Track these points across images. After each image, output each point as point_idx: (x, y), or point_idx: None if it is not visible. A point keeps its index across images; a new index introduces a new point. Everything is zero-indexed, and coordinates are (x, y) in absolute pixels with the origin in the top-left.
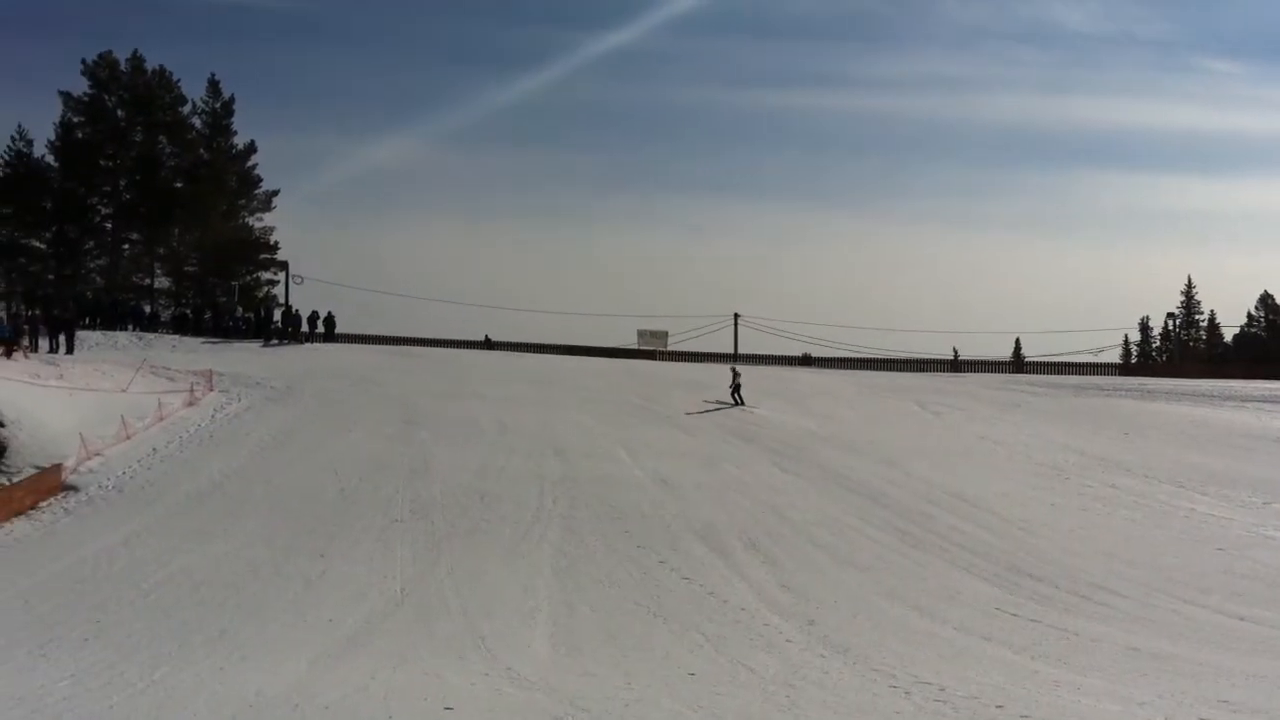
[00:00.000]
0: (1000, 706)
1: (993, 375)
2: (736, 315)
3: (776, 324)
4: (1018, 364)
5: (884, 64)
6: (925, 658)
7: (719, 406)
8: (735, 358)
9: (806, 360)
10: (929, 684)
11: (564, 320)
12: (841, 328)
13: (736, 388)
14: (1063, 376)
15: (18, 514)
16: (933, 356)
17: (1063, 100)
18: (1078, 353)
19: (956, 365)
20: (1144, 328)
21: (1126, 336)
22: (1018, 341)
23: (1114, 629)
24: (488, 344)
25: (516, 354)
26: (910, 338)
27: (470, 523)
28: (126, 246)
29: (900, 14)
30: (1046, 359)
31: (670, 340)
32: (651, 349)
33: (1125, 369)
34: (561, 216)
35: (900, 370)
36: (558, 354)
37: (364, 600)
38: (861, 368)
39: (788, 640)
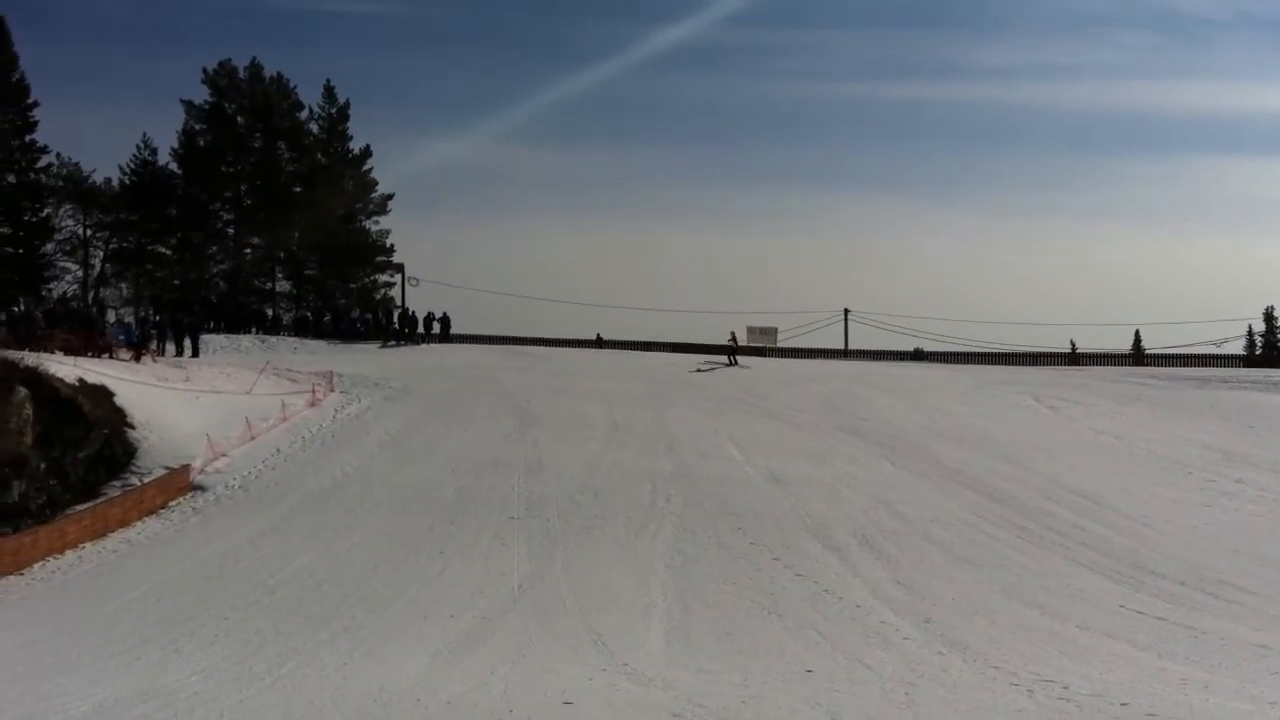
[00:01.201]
0: (1125, 704)
1: (1111, 368)
2: (846, 310)
3: (887, 318)
4: (1137, 356)
5: (992, 52)
6: (1047, 655)
7: (712, 367)
8: (845, 353)
9: (918, 355)
10: (1051, 682)
11: (674, 318)
12: (953, 321)
13: (733, 350)
14: (1184, 369)
15: (149, 513)
16: (1049, 350)
17: (1179, 86)
18: (1199, 344)
19: (1074, 358)
20: (1269, 318)
21: (1250, 327)
22: (1137, 333)
23: (1243, 626)
24: (599, 342)
25: (627, 352)
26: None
27: (584, 520)
28: (248, 251)
29: (1010, 1)
30: (1166, 351)
31: (779, 337)
32: (761, 345)
33: (1249, 360)
34: (671, 213)
35: (1015, 364)
36: (668, 351)
37: (482, 596)
38: (975, 362)
39: (905, 638)
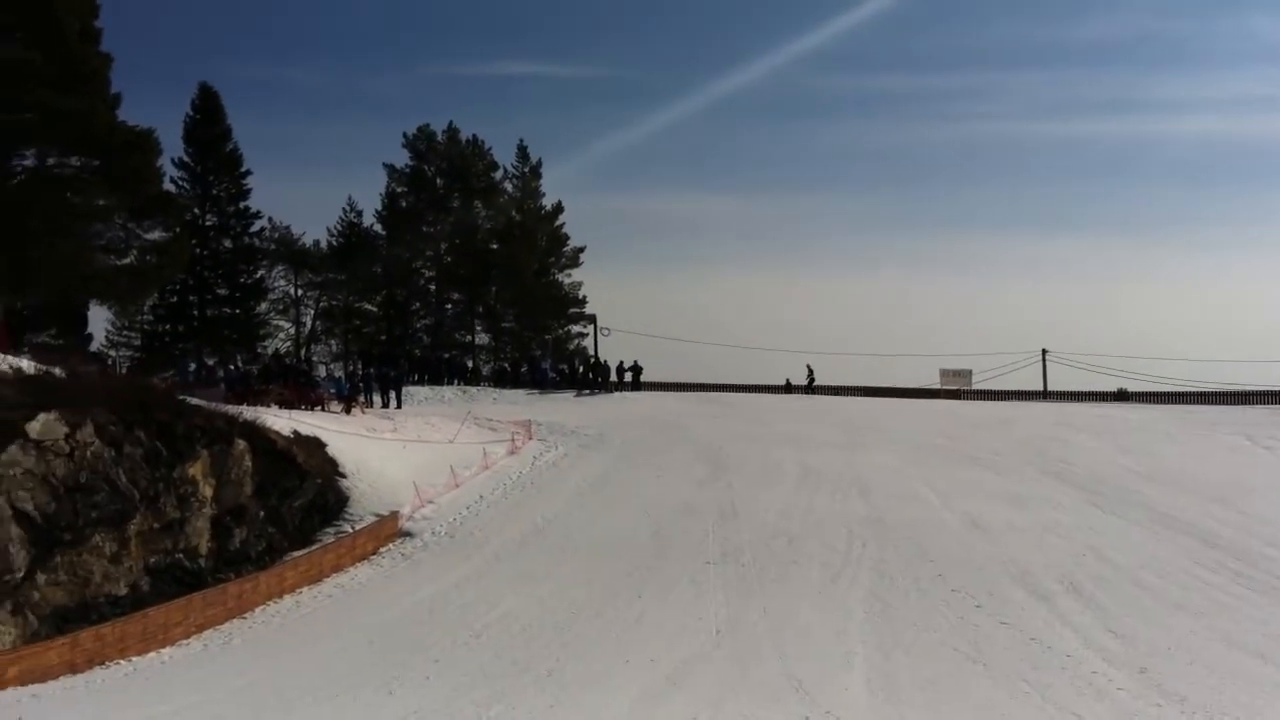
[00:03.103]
0: None
1: None
2: (1044, 351)
3: (1087, 359)
4: None
5: (1174, 86)
6: (1272, 707)
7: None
8: (1044, 395)
9: (1122, 395)
10: None
11: (864, 362)
12: (1156, 359)
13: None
14: None
15: (360, 559)
16: (1261, 388)
17: None
18: None
19: None
20: None
21: None
22: None
23: None
24: (788, 388)
25: (818, 397)
26: (1234, 369)
27: (780, 566)
28: (448, 306)
29: (1197, 33)
30: None
31: (974, 379)
32: (955, 389)
33: None
34: (854, 259)
35: (1225, 403)
36: (859, 396)
37: (681, 641)
38: (1182, 401)
39: (1119, 688)
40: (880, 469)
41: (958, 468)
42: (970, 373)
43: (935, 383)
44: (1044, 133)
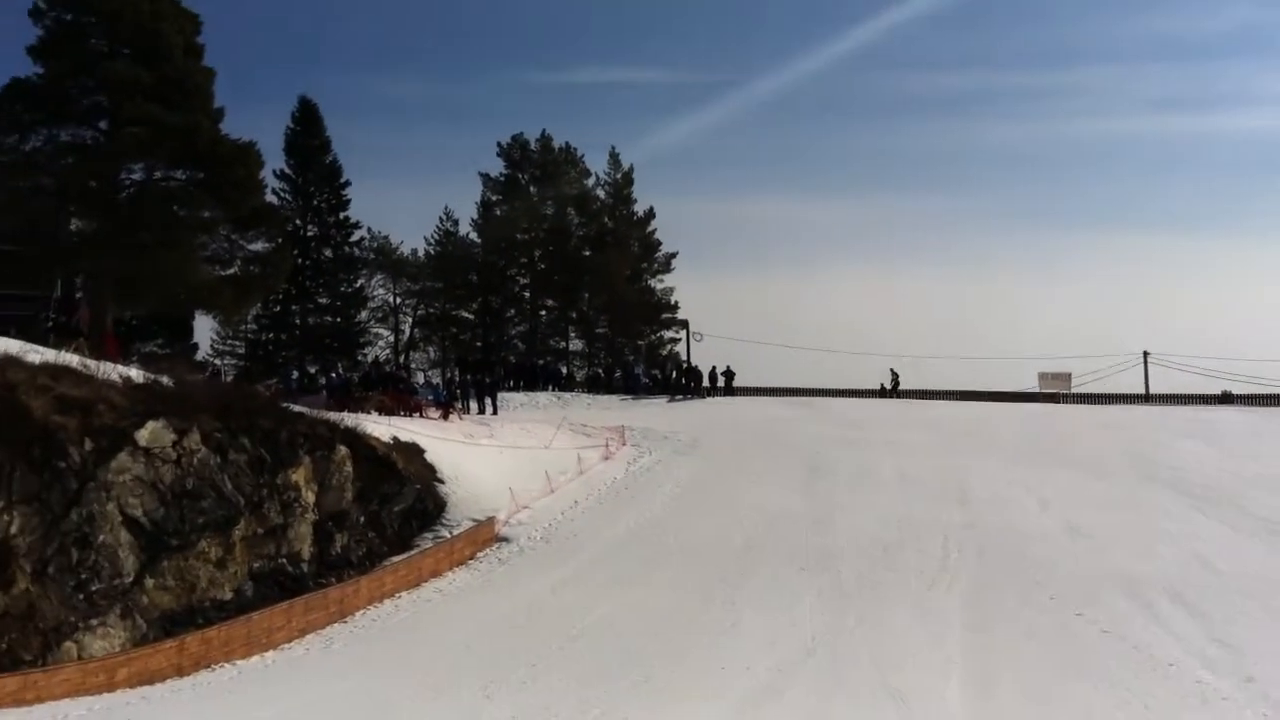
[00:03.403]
0: None
1: None
2: (1145, 353)
3: (1191, 361)
4: None
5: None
6: None
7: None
8: (1146, 398)
9: (1227, 398)
10: None
11: (960, 365)
12: (1263, 362)
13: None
14: None
15: (458, 564)
16: None
17: None
18: None
19: None
20: None
21: None
22: None
23: None
24: (884, 392)
25: (913, 401)
26: None
27: (876, 572)
28: (543, 313)
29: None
30: None
31: (1074, 382)
32: (1054, 392)
33: None
34: (952, 260)
35: None
36: (955, 400)
37: (776, 649)
38: None
39: (1223, 698)
40: (978, 474)
41: (1058, 473)
42: (1070, 375)
43: (1033, 386)
44: (1143, 129)
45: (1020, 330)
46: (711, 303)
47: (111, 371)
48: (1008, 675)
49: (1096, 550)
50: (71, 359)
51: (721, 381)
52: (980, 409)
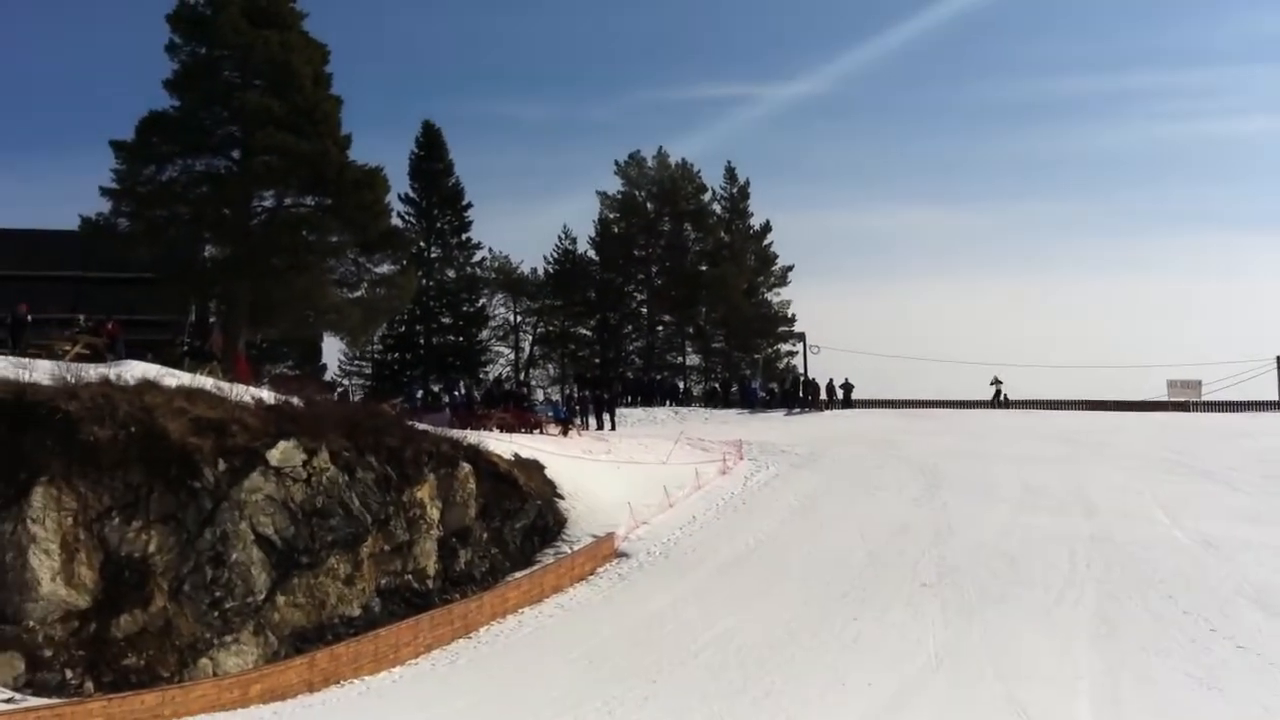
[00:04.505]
0: None
1: None
2: (1279, 359)
3: None
4: None
5: None
6: None
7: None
8: None
9: None
10: None
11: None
12: None
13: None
14: None
15: (579, 579)
16: None
17: None
18: None
19: None
20: None
21: None
22: None
23: None
24: (1005, 403)
25: (1033, 411)
26: None
27: (1000, 586)
28: (660, 328)
29: None
30: None
31: (1204, 390)
32: (1183, 400)
33: None
34: (1072, 267)
35: None
36: (1078, 409)
37: (899, 664)
38: None
39: None
40: (1105, 485)
41: (1188, 483)
42: (1200, 383)
43: (1161, 395)
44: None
45: (1149, 338)
46: (829, 315)
47: (244, 393)
48: (1138, 691)
49: (1228, 562)
50: (206, 382)
51: (840, 394)
52: (1106, 419)
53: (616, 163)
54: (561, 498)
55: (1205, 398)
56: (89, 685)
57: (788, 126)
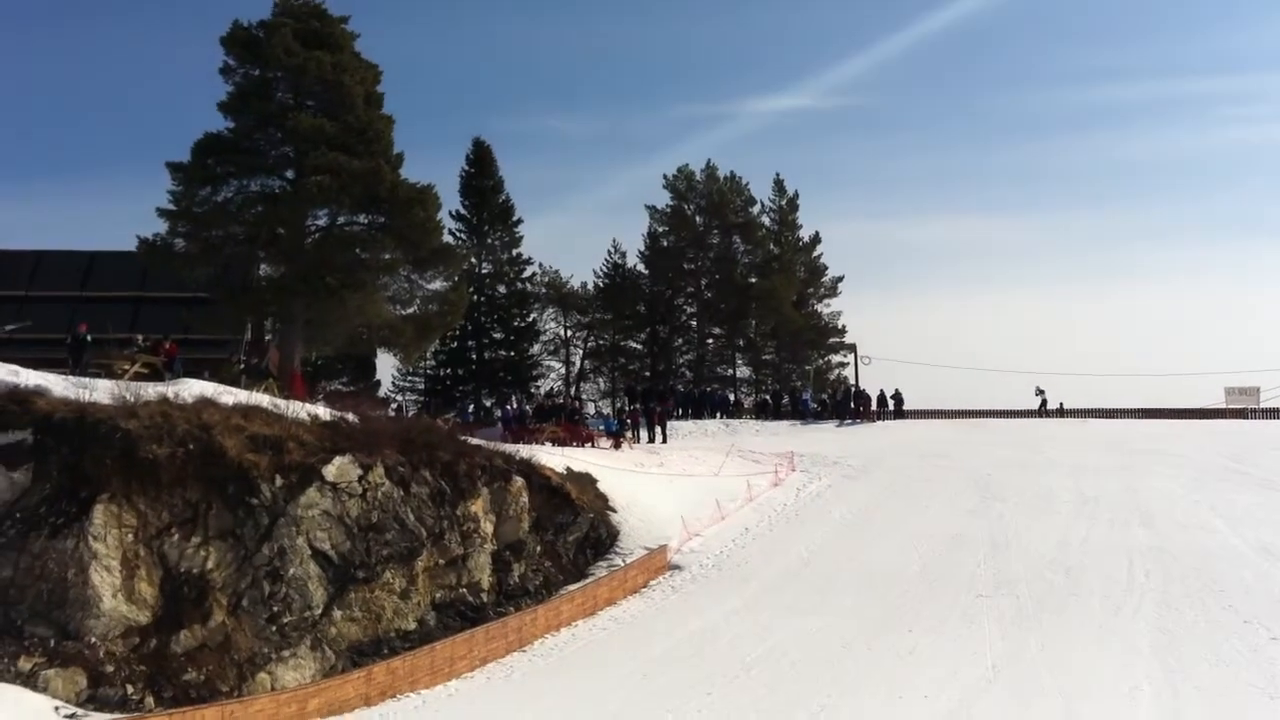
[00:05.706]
0: None
1: None
2: None
3: None
4: None
5: None
6: None
7: None
8: None
9: None
10: None
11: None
12: None
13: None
14: None
15: (632, 592)
16: None
17: None
18: None
19: None
20: None
21: None
22: None
23: None
24: (1059, 412)
25: (1088, 420)
26: None
27: (1057, 598)
28: (710, 341)
29: None
30: None
31: (1262, 396)
32: (1241, 407)
33: None
34: (1124, 274)
35: None
36: (1133, 418)
37: (956, 677)
38: None
39: None
40: (1162, 495)
41: (1248, 492)
42: (1258, 390)
43: (1218, 402)
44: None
45: (1206, 346)
46: (880, 325)
47: (300, 410)
48: (1199, 702)
49: None
50: (262, 399)
51: (891, 405)
52: (1162, 426)
53: (665, 177)
54: (614, 510)
55: (1263, 404)
56: (150, 701)
57: (835, 137)
